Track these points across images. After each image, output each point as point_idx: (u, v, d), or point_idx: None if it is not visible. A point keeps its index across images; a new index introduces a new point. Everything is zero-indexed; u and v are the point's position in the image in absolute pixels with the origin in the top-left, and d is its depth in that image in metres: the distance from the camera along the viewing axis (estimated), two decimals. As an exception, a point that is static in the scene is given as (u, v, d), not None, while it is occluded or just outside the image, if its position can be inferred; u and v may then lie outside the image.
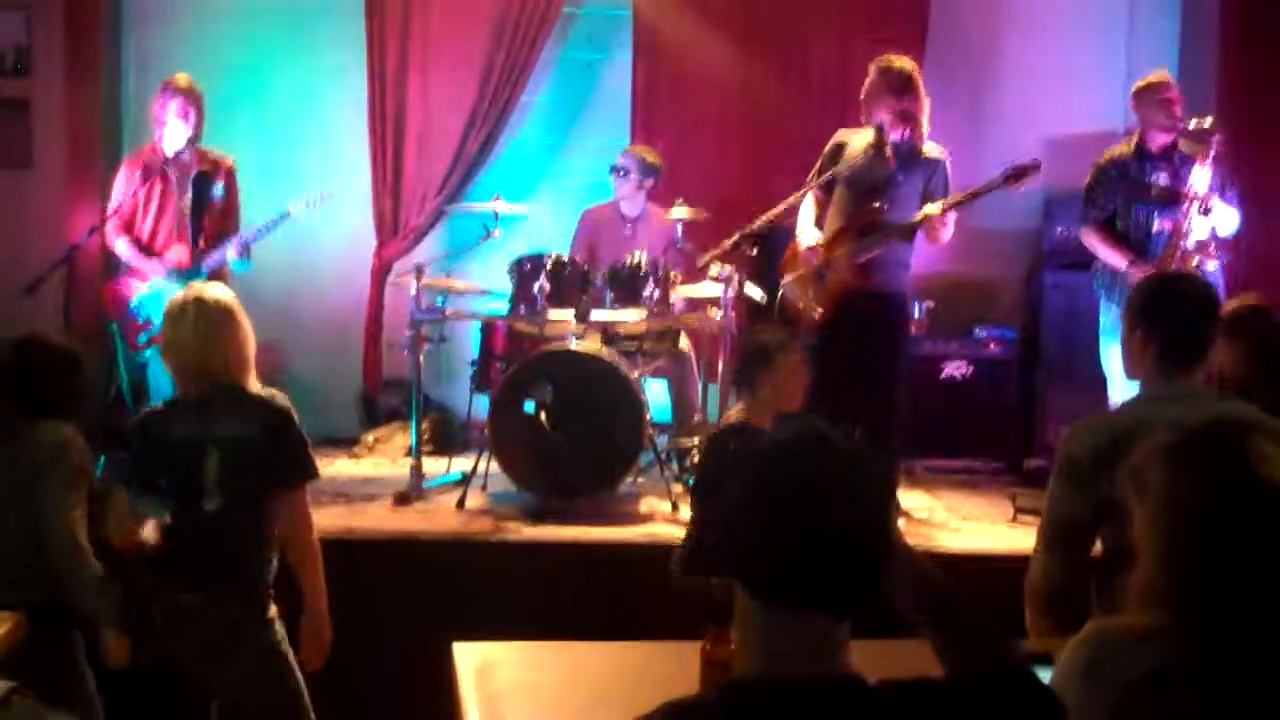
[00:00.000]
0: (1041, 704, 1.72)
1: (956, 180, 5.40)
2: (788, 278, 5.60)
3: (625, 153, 6.46)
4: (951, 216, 5.27)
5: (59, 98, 6.53)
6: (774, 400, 3.93)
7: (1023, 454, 6.81)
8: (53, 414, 3.59)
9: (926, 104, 5.43)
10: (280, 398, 3.46)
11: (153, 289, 5.77)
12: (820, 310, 5.38)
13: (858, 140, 5.46)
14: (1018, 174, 5.17)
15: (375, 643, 3.84)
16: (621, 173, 6.36)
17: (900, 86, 5.37)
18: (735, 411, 4.25)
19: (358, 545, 4.79)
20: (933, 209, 5.26)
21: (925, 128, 5.44)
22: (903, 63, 5.44)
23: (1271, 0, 6.66)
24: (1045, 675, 2.04)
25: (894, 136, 5.37)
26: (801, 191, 5.47)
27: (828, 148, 5.57)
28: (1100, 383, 5.57)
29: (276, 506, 3.42)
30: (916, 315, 6.97)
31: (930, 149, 5.48)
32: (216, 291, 3.47)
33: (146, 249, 5.83)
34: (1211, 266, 5.37)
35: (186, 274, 5.67)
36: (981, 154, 7.16)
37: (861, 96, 5.48)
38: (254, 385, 3.44)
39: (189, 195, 5.79)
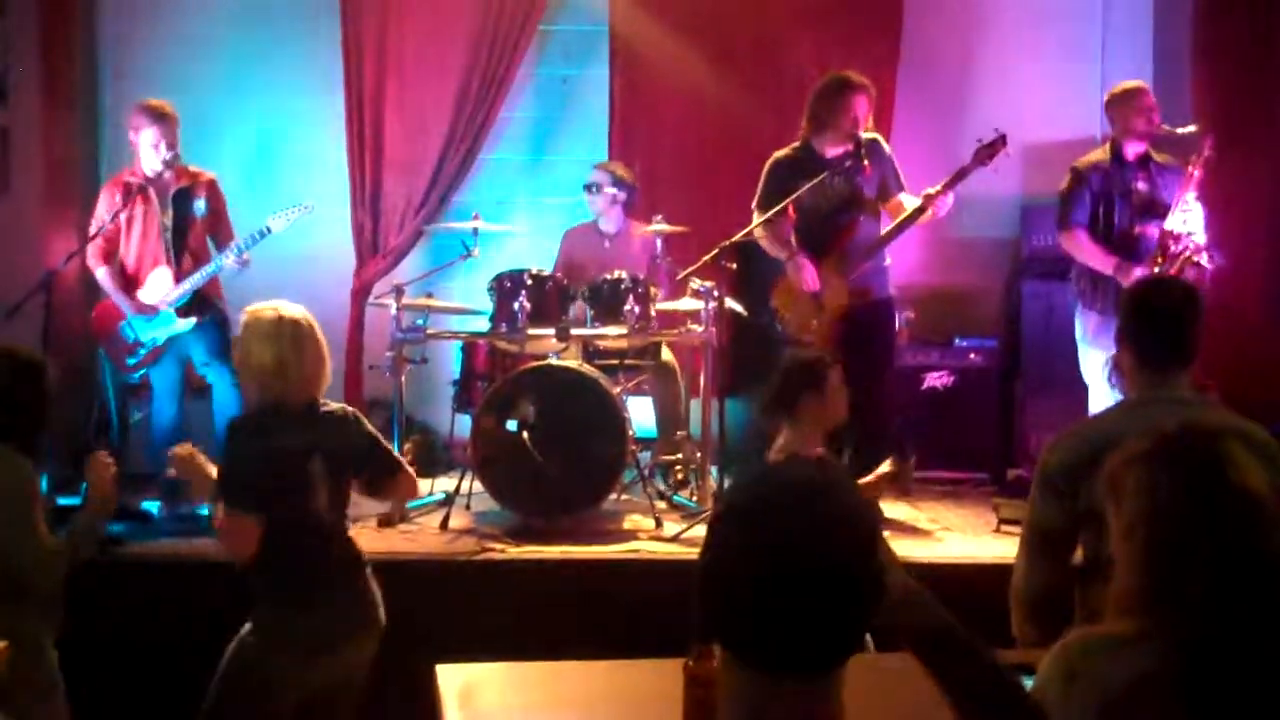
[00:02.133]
0: None
1: (931, 185, 5.46)
2: (781, 312, 5.64)
3: (596, 169, 6.48)
4: (950, 192, 5.35)
5: (36, 123, 6.51)
6: (821, 420, 3.90)
7: (1005, 464, 6.82)
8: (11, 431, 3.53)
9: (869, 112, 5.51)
10: (349, 408, 3.69)
11: (141, 310, 5.75)
12: (826, 331, 5.43)
13: (801, 158, 5.53)
14: (988, 150, 5.27)
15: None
16: (594, 189, 6.38)
17: (861, 114, 5.45)
18: (781, 444, 4.01)
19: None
20: (928, 191, 5.36)
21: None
22: (862, 83, 5.50)
23: (1244, 8, 6.71)
24: (1028, 684, 2.05)
25: (842, 150, 5.43)
26: (764, 217, 5.50)
27: (770, 171, 5.64)
28: (1080, 391, 5.59)
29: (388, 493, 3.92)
30: (897, 326, 7.01)
31: (865, 138, 5.52)
32: (297, 310, 3.57)
33: (132, 277, 5.79)
34: (1201, 259, 5.38)
35: (171, 297, 5.66)
36: (957, 162, 7.21)
37: (809, 113, 5.53)
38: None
39: (170, 213, 5.77)
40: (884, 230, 5.58)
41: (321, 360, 3.58)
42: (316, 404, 3.57)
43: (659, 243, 5.92)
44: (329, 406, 3.61)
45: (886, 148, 5.66)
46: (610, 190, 6.35)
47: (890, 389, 5.52)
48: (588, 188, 6.42)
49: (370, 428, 3.70)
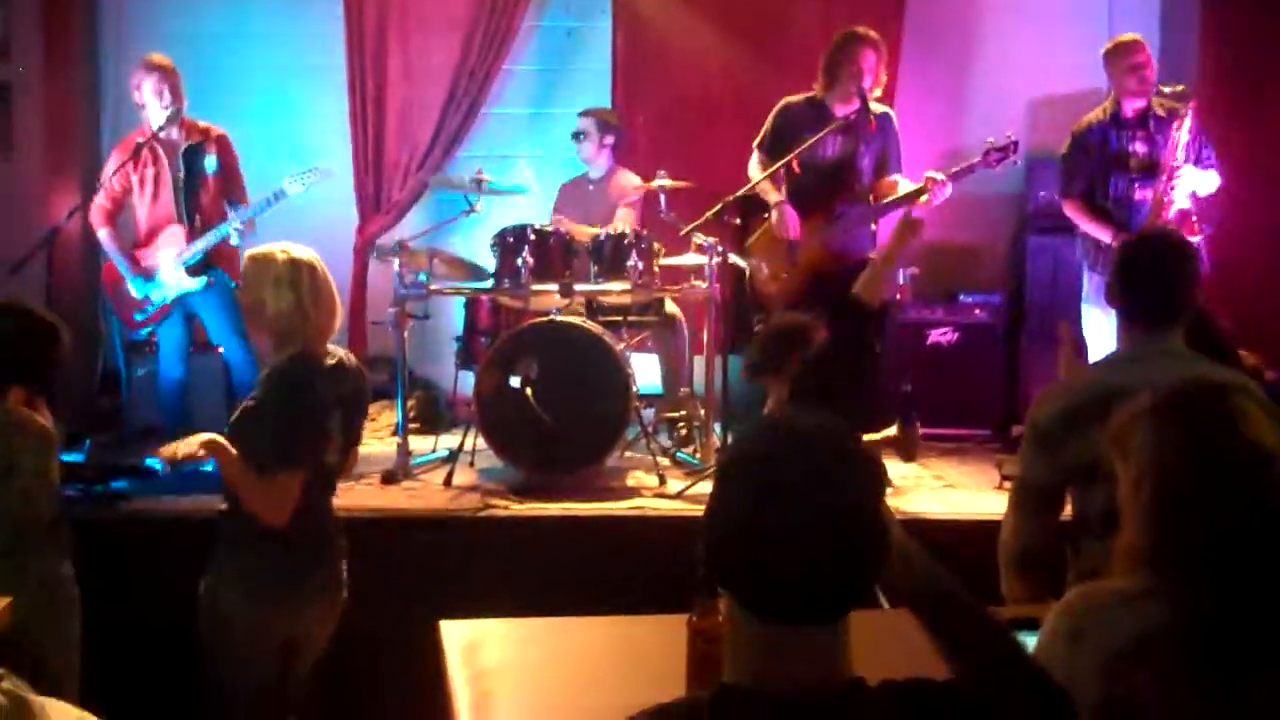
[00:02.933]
0: (1051, 702, 1.68)
1: (939, 142, 5.45)
2: (756, 255, 5.64)
3: (581, 116, 6.49)
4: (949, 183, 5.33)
5: (38, 82, 6.48)
6: None
7: (1009, 420, 6.80)
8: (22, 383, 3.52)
9: (884, 77, 5.48)
10: (355, 359, 3.58)
11: (149, 267, 5.73)
12: (794, 285, 5.41)
13: (811, 110, 5.50)
14: (999, 153, 5.27)
15: (363, 621, 3.82)
16: (580, 137, 6.42)
17: (866, 67, 5.40)
18: (773, 404, 4.03)
19: (346, 524, 4.76)
20: (934, 175, 5.34)
21: (877, 91, 5.49)
22: (870, 37, 5.46)
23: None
24: (1029, 640, 2.04)
25: (852, 108, 5.40)
26: (770, 170, 5.49)
27: (779, 115, 5.61)
28: (1084, 347, 5.58)
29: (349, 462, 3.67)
30: (901, 282, 6.99)
31: (879, 110, 5.51)
32: (308, 252, 3.43)
33: (146, 236, 5.76)
34: (1194, 239, 5.36)
35: (182, 255, 5.64)
36: (963, 118, 7.18)
37: (822, 67, 5.50)
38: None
39: (181, 172, 5.73)
40: (879, 201, 5.53)
41: (336, 307, 3.46)
42: (329, 353, 3.45)
43: (662, 198, 5.89)
44: (337, 355, 3.48)
45: (895, 125, 5.62)
46: (596, 134, 6.35)
47: (886, 354, 5.50)
48: (574, 137, 6.46)
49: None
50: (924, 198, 5.38)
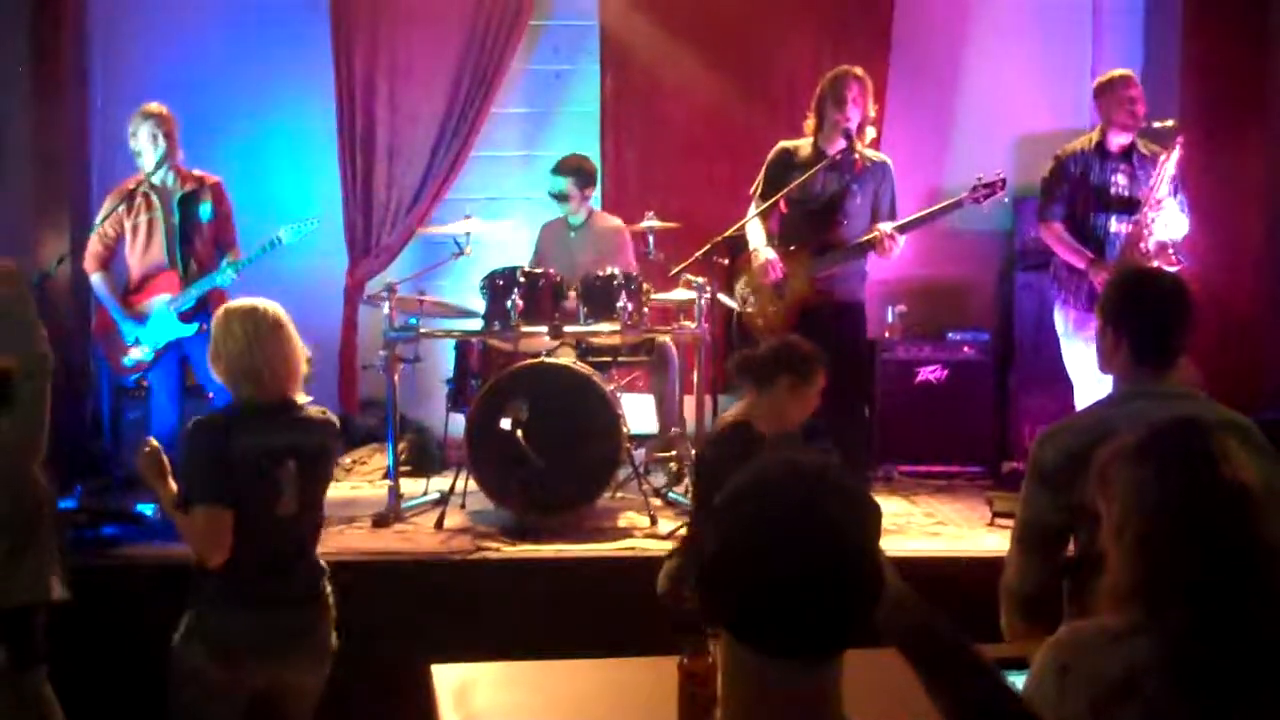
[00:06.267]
0: None
1: (924, 180, 5.46)
2: (744, 293, 5.65)
3: (555, 176, 6.37)
4: (901, 236, 5.34)
5: (26, 119, 6.49)
6: (789, 406, 3.78)
7: (999, 457, 6.82)
8: None
9: (872, 112, 5.51)
10: (329, 413, 3.60)
11: (141, 312, 5.73)
12: (781, 320, 5.42)
13: (803, 152, 5.53)
14: (986, 190, 5.29)
15: (354, 665, 3.81)
16: (562, 199, 6.36)
17: (850, 98, 5.42)
18: (735, 410, 4.04)
19: (337, 568, 4.74)
20: (884, 227, 5.34)
21: (869, 136, 5.51)
22: (853, 72, 5.49)
23: (1234, -3, 6.73)
24: (1020, 679, 2.05)
25: (839, 146, 5.43)
26: (760, 209, 5.52)
27: (772, 160, 5.63)
28: (1072, 383, 5.59)
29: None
30: (890, 320, 7.02)
31: (876, 156, 5.55)
32: (270, 305, 3.50)
33: (138, 282, 5.76)
34: (1172, 270, 5.38)
35: (176, 301, 5.64)
36: (949, 155, 7.24)
37: (812, 107, 5.54)
38: (303, 397, 3.54)
39: (175, 218, 5.74)
40: (851, 245, 5.54)
41: (293, 358, 3.48)
42: (294, 404, 3.47)
43: (650, 239, 5.91)
44: (308, 409, 3.51)
45: (892, 174, 5.61)
46: (578, 192, 6.33)
47: (860, 398, 5.50)
48: (556, 198, 6.39)
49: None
50: (874, 249, 5.39)
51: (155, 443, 3.47)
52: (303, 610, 3.49)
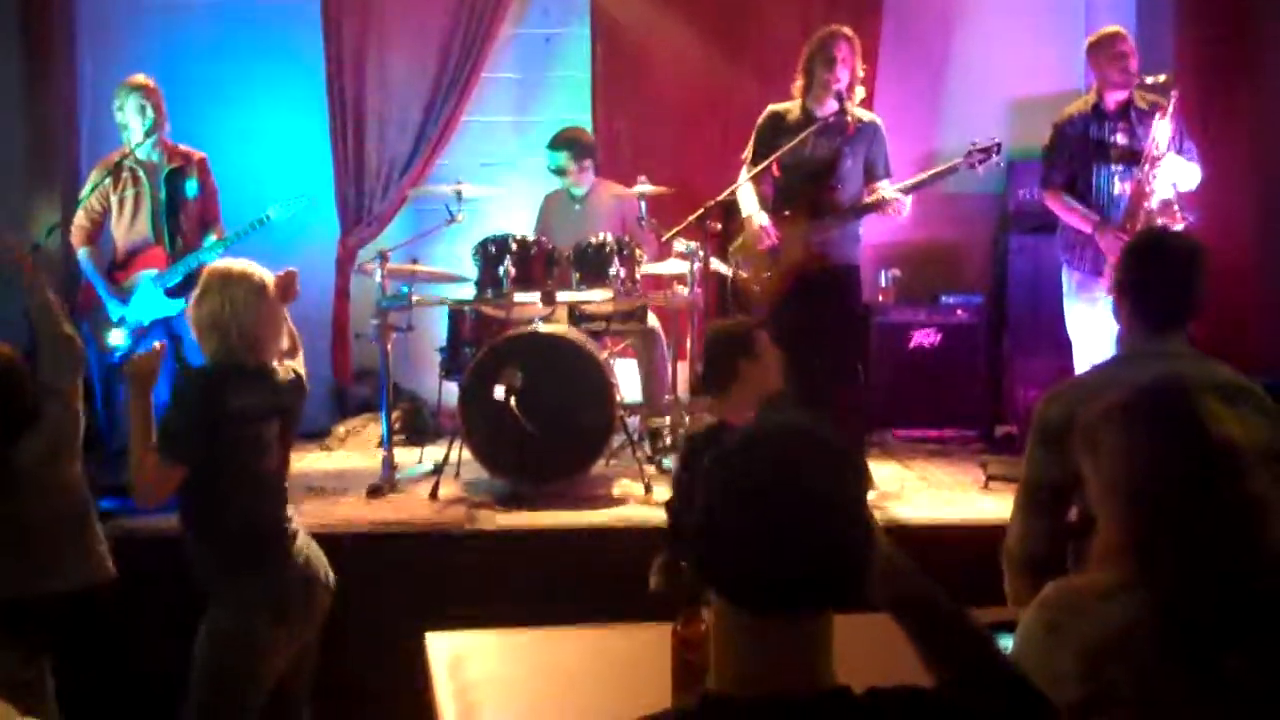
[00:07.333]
0: (1032, 707, 1.70)
1: (917, 144, 5.43)
2: (737, 257, 5.63)
3: (553, 152, 6.34)
4: (907, 197, 5.32)
5: (16, 98, 6.45)
6: (761, 383, 3.68)
7: (993, 421, 6.83)
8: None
9: (861, 71, 5.47)
10: (298, 373, 3.69)
11: (127, 288, 5.71)
12: (776, 285, 5.41)
13: (793, 115, 5.49)
14: (981, 154, 5.27)
15: (349, 635, 3.82)
16: (561, 173, 6.33)
17: (839, 57, 5.39)
18: (711, 412, 3.93)
19: (331, 539, 4.75)
20: (888, 191, 5.31)
21: (858, 95, 5.47)
22: (841, 31, 5.44)
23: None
24: (1010, 644, 2.06)
25: (830, 108, 5.39)
26: (751, 174, 5.49)
27: (762, 124, 5.59)
28: (1066, 347, 5.58)
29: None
30: (883, 284, 7.00)
31: (866, 116, 5.51)
32: (254, 268, 3.55)
33: (124, 258, 5.74)
34: (1177, 228, 5.36)
35: (162, 277, 5.62)
36: (942, 118, 7.21)
37: (800, 67, 5.50)
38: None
39: (162, 194, 5.71)
40: (853, 207, 5.51)
41: (274, 322, 3.55)
42: (270, 366, 3.55)
43: (642, 204, 5.88)
44: (281, 370, 3.61)
45: (883, 133, 5.58)
46: (575, 165, 6.29)
47: (856, 359, 5.49)
48: (555, 172, 6.35)
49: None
50: (888, 209, 5.37)
51: (160, 346, 3.66)
52: (296, 562, 3.57)
